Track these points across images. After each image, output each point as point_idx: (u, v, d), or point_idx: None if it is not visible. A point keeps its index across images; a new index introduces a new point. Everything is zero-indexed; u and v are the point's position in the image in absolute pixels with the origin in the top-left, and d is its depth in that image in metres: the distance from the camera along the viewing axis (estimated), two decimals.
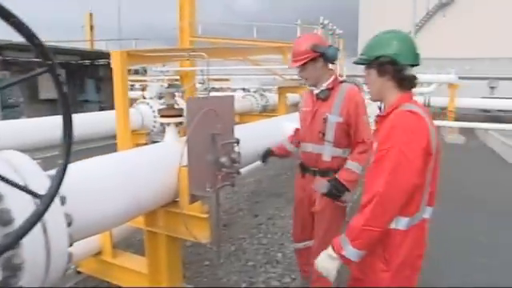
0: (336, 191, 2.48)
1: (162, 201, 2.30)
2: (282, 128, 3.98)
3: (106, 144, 7.69)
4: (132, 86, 18.36)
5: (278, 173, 7.51)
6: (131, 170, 2.07)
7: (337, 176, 2.53)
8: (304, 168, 2.80)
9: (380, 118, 1.87)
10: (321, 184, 2.57)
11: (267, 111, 10.28)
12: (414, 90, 1.85)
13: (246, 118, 9.66)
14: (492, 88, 17.18)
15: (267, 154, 3.03)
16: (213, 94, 11.57)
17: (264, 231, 4.62)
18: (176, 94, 2.56)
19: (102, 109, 11.36)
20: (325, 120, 2.58)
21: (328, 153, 2.63)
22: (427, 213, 1.78)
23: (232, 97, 2.37)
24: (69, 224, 1.37)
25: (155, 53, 3.37)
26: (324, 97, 2.62)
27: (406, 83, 1.79)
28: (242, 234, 4.52)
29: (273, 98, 10.45)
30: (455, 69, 13.17)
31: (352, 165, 2.54)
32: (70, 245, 1.40)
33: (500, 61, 18.33)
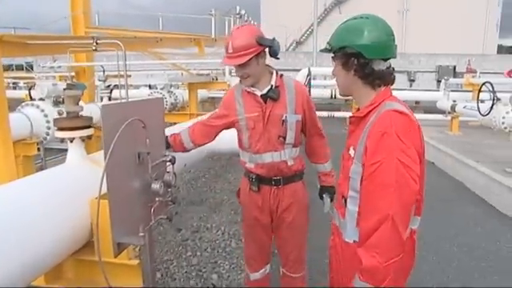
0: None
1: (67, 250, 1.66)
2: None
3: None
4: (15, 84, 16.06)
5: (195, 176, 6.94)
6: (17, 213, 1.40)
7: (327, 184, 2.47)
8: (260, 180, 2.35)
9: (355, 119, 1.60)
10: (326, 204, 2.45)
11: (177, 109, 9.58)
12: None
13: None
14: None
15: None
16: (115, 92, 10.50)
17: (192, 248, 4.06)
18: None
19: None
20: (283, 122, 2.22)
21: (291, 156, 2.33)
22: (415, 223, 1.59)
23: (161, 100, 1.80)
24: None
25: (44, 40, 2.57)
26: (276, 96, 2.24)
27: (375, 80, 1.52)
28: (167, 255, 3.92)
29: (182, 94, 9.78)
30: None
31: (330, 165, 2.51)
32: None
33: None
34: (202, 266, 3.68)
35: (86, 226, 1.71)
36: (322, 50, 1.69)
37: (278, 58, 2.24)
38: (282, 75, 2.34)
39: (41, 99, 5.70)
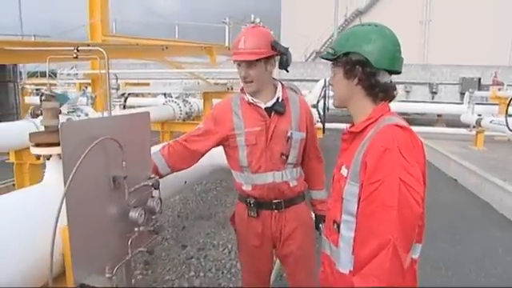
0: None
1: (39, 280, 1.46)
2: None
3: None
4: (38, 90, 16.31)
5: (206, 188, 6.75)
6: None
7: (323, 213, 1.97)
8: (259, 205, 2.09)
9: (349, 135, 1.45)
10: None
11: (191, 119, 9.45)
12: None
13: (168, 127, 8.79)
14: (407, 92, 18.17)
15: None
16: (131, 100, 10.44)
17: (195, 267, 3.84)
18: (62, 109, 1.69)
19: None
20: (288, 138, 2.02)
21: (293, 176, 2.11)
22: (416, 251, 1.37)
23: (146, 114, 1.59)
24: None
25: (23, 46, 2.42)
26: (283, 110, 2.03)
27: (378, 92, 1.37)
28: (169, 274, 3.70)
29: (197, 103, 9.65)
30: None
31: (326, 193, 2.26)
32: None
33: (413, 66, 19.43)
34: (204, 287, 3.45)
35: (58, 256, 1.50)
36: (323, 56, 1.52)
37: (287, 71, 2.06)
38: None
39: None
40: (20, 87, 11.75)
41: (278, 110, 2.02)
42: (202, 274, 3.70)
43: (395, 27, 1.53)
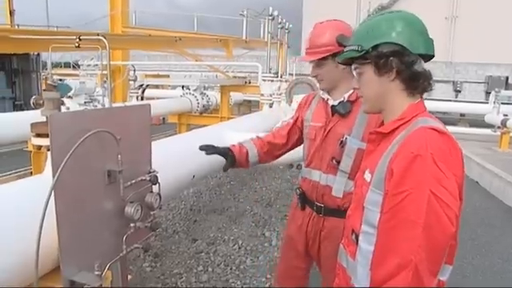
0: None
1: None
2: (226, 141, 3.18)
3: (16, 149, 6.47)
4: (61, 80, 16.61)
5: (220, 182, 6.72)
6: None
7: None
8: (305, 199, 2.07)
9: (378, 136, 1.28)
10: None
11: (209, 112, 9.43)
12: None
13: (185, 119, 8.81)
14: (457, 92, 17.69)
15: (215, 152, 2.07)
16: (148, 91, 10.49)
17: (204, 262, 3.81)
18: (66, 99, 1.66)
19: (16, 107, 9.80)
20: (342, 143, 1.88)
21: (340, 187, 1.93)
22: (445, 273, 1.21)
23: (146, 107, 1.54)
24: None
25: (26, 35, 2.39)
26: (344, 112, 1.90)
27: (420, 84, 1.21)
28: (177, 268, 3.68)
29: (215, 96, 9.62)
30: None
31: None
32: None
33: (437, 64, 18.91)
34: (212, 283, 3.41)
35: (53, 251, 1.47)
36: (343, 57, 1.33)
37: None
38: None
39: (69, 97, 5.71)
40: (43, 77, 11.99)
41: (338, 110, 1.92)
42: (210, 269, 3.66)
43: None
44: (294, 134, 2.19)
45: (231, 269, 3.69)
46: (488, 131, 9.96)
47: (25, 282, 1.44)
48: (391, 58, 1.18)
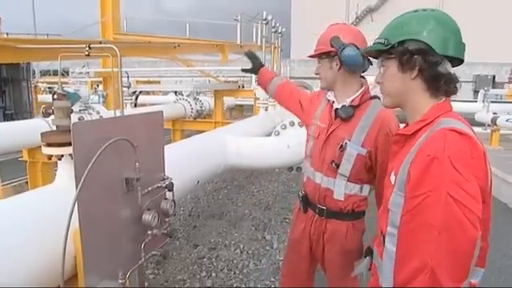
0: None
1: (48, 283, 1.43)
2: (225, 144, 3.20)
3: (9, 159, 6.39)
4: (50, 88, 16.41)
5: (217, 187, 6.71)
6: None
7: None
8: (307, 202, 2.10)
9: (401, 137, 1.28)
10: (360, 266, 1.90)
11: (202, 117, 9.43)
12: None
13: (179, 125, 8.78)
14: None
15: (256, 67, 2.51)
16: (141, 98, 10.45)
17: (207, 267, 3.80)
18: (74, 108, 1.66)
19: (6, 116, 9.67)
20: (342, 148, 1.88)
21: (341, 190, 1.94)
22: (477, 276, 1.20)
23: (159, 114, 1.54)
24: None
25: (33, 44, 2.38)
26: (346, 116, 1.90)
27: (442, 85, 1.20)
28: (181, 274, 3.67)
29: (208, 101, 9.62)
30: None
31: None
32: None
33: None
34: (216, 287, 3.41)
35: (69, 258, 1.47)
36: (370, 49, 1.35)
37: (352, 70, 1.90)
38: (374, 97, 1.96)
39: None
40: (33, 86, 11.83)
41: (339, 113, 1.93)
42: (213, 274, 3.65)
43: None
44: (295, 100, 2.31)
45: (234, 273, 3.68)
46: (479, 129, 10.09)
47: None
48: (415, 56, 1.18)
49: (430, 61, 1.17)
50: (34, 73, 13.85)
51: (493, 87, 16.50)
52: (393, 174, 1.24)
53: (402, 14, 1.28)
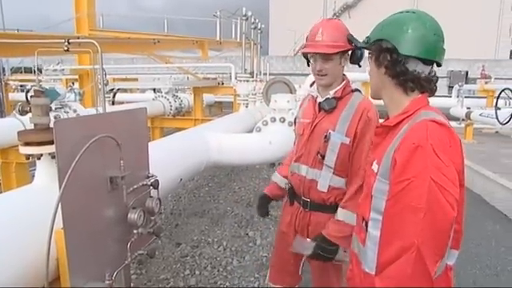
0: (324, 253, 1.88)
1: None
2: (207, 141, 3.17)
3: None
4: (22, 86, 15.90)
5: (198, 185, 6.66)
6: None
7: (323, 232, 1.91)
8: (293, 194, 2.15)
9: (383, 129, 1.38)
10: (301, 244, 1.97)
11: (181, 114, 9.34)
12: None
13: (159, 122, 8.67)
14: None
15: (266, 204, 2.37)
16: (119, 95, 10.26)
17: (190, 265, 3.77)
18: (54, 105, 1.60)
19: None
20: (326, 138, 1.95)
21: (325, 181, 2.00)
22: (452, 258, 1.32)
23: (142, 110, 1.51)
24: None
25: (10, 39, 2.29)
26: (329, 108, 1.97)
27: (406, 82, 1.30)
28: (164, 273, 3.62)
29: (187, 98, 9.54)
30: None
31: (344, 215, 1.91)
32: None
33: None
34: (201, 286, 3.39)
35: (51, 260, 1.42)
36: (359, 45, 1.53)
37: (359, 66, 2.00)
38: (355, 90, 2.05)
39: None
40: (3, 83, 11.44)
41: (323, 106, 1.99)
42: (197, 272, 3.63)
43: None
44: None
45: (218, 270, 3.67)
46: (454, 123, 10.37)
47: None
48: (383, 54, 1.30)
49: (394, 59, 1.28)
50: (3, 70, 13.39)
51: (466, 83, 16.97)
52: (375, 163, 1.32)
53: (391, 15, 1.37)
